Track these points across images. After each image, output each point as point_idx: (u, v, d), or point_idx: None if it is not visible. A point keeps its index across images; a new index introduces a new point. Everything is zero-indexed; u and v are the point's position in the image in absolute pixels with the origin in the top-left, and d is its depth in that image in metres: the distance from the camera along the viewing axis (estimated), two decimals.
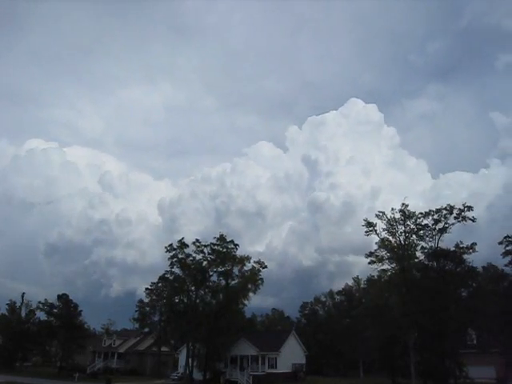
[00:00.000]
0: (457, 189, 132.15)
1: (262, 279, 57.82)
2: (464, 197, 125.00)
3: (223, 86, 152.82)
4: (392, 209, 46.57)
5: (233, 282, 57.96)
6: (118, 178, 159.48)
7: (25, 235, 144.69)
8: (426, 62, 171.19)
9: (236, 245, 57.90)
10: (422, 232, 45.43)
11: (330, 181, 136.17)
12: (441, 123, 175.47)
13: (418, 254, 46.69)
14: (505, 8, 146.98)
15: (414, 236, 46.06)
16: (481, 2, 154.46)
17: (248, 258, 58.09)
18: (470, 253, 43.27)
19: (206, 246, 57.22)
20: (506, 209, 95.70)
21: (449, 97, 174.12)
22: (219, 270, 57.33)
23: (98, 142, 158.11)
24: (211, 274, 57.75)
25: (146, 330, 76.83)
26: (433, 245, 45.02)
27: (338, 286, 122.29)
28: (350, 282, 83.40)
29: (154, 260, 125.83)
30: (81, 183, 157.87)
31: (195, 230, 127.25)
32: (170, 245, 57.63)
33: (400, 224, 46.15)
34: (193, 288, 57.51)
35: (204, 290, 58.19)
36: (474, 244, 43.46)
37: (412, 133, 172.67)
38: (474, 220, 43.75)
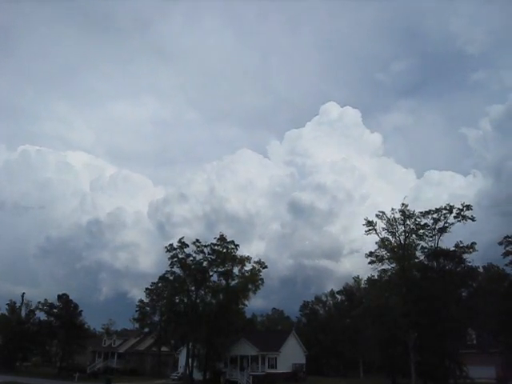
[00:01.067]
0: (438, 191, 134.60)
1: (262, 279, 57.89)
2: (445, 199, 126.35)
3: (205, 102, 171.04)
4: (392, 209, 46.66)
5: (233, 282, 57.93)
6: (110, 182, 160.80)
7: (17, 238, 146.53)
8: (393, 80, 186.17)
9: (236, 245, 57.92)
10: (421, 232, 45.45)
11: (309, 185, 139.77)
12: (414, 135, 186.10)
13: (418, 253, 46.76)
14: (466, 35, 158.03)
15: (413, 236, 46.07)
16: (441, 29, 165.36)
17: (248, 259, 58.09)
18: (470, 252, 43.29)
19: (206, 246, 57.21)
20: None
21: (420, 111, 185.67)
22: (219, 270, 57.29)
23: (89, 151, 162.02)
24: (211, 274, 57.73)
25: (146, 330, 76.83)
26: (433, 244, 45.05)
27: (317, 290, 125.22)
28: (351, 282, 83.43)
29: (146, 264, 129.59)
30: (73, 187, 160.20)
31: (183, 232, 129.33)
32: (171, 245, 57.63)
33: (400, 224, 46.17)
34: (193, 288, 57.48)
35: (204, 290, 58.15)
36: (473, 244, 43.48)
37: (389, 142, 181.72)
38: (473, 219, 43.77)
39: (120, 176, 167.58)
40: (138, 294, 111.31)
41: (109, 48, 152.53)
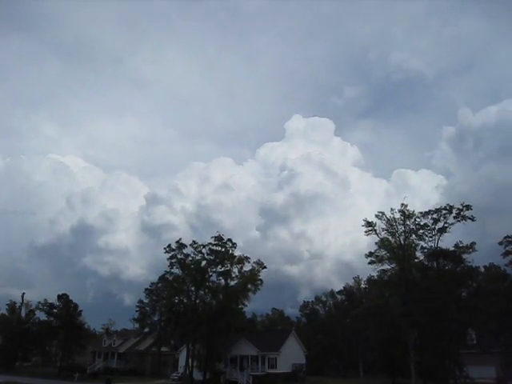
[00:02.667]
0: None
1: (261, 280, 57.85)
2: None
3: (180, 122, 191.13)
4: (391, 209, 46.61)
5: (232, 283, 57.91)
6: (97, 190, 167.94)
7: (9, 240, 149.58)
8: (348, 104, 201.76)
9: (234, 244, 57.89)
10: (421, 232, 45.41)
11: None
12: (378, 151, 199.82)
13: (418, 254, 46.74)
14: (421, 60, 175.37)
15: (413, 236, 46.03)
16: (383, 60, 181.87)
17: (247, 258, 58.07)
18: (470, 252, 43.26)
19: (204, 246, 57.22)
20: None
21: (380, 129, 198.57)
22: (218, 270, 57.30)
23: (75, 164, 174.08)
24: (210, 274, 57.73)
25: (146, 330, 76.82)
26: (432, 245, 45.02)
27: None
28: (351, 282, 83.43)
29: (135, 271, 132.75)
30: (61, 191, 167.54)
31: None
32: (169, 245, 57.63)
33: (400, 224, 46.14)
34: (192, 288, 57.47)
35: (204, 291, 58.13)
36: (473, 244, 43.45)
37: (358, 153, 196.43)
38: (473, 219, 43.72)
39: (107, 185, 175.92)
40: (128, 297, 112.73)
41: (90, 76, 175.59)
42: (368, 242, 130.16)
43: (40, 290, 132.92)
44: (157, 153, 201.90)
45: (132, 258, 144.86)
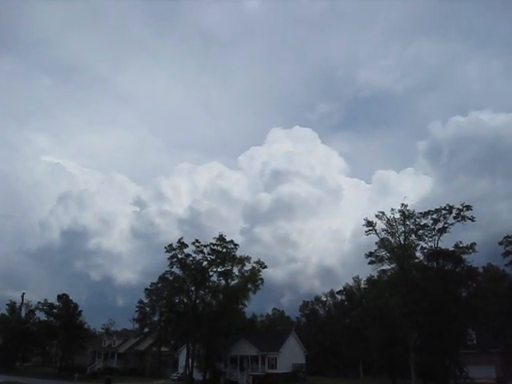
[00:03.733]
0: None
1: (261, 279, 57.83)
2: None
3: (165, 133, 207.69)
4: (392, 209, 46.62)
5: (233, 282, 57.92)
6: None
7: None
8: (321, 119, 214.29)
9: (236, 245, 57.93)
10: (421, 232, 45.42)
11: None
12: (357, 161, 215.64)
13: (418, 254, 46.73)
14: (387, 78, 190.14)
15: (413, 236, 46.05)
16: (350, 79, 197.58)
17: (248, 258, 58.04)
18: (470, 253, 43.23)
19: (205, 246, 57.20)
20: None
21: (357, 141, 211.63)
22: (219, 270, 57.30)
23: (68, 172, 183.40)
24: (211, 274, 57.74)
25: (146, 330, 76.86)
26: (432, 245, 45.02)
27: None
28: (351, 282, 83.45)
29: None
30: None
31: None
32: (170, 245, 57.60)
33: (400, 224, 46.15)
34: (193, 288, 57.47)
35: (204, 290, 58.15)
36: (473, 244, 43.45)
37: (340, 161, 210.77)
38: (473, 220, 43.74)
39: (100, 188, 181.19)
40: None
41: (79, 93, 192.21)
42: (352, 246, 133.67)
43: (35, 292, 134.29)
44: (146, 161, 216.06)
45: (124, 262, 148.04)
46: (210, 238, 57.75)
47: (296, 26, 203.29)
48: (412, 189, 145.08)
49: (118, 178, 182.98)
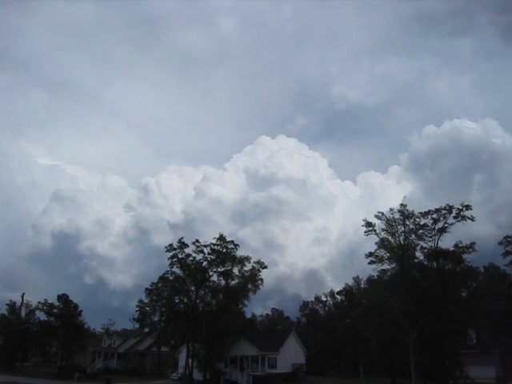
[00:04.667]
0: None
1: (261, 279, 57.86)
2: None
3: (154, 143, 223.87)
4: (391, 209, 46.62)
5: (233, 282, 57.93)
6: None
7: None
8: (301, 130, 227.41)
9: (236, 245, 57.94)
10: (421, 232, 45.43)
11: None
12: (340, 167, 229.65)
13: (418, 254, 46.69)
14: (359, 93, 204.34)
15: (413, 236, 46.04)
16: (324, 92, 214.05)
17: (248, 258, 58.06)
18: (470, 252, 43.26)
19: (205, 246, 57.23)
20: None
21: (338, 150, 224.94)
22: (219, 270, 57.31)
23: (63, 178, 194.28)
24: (211, 274, 57.75)
25: (146, 330, 76.67)
26: (432, 245, 45.02)
27: None
28: (350, 282, 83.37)
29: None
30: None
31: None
32: (170, 245, 57.68)
33: (399, 224, 46.15)
34: (193, 288, 57.49)
35: (204, 290, 58.18)
36: (473, 244, 43.46)
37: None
38: (473, 219, 43.75)
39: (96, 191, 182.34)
40: None
41: (71, 106, 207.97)
42: (337, 249, 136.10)
43: (32, 293, 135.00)
44: (137, 168, 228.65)
45: (117, 265, 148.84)
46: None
47: (270, 46, 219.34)
48: (394, 193, 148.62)
49: (111, 182, 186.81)
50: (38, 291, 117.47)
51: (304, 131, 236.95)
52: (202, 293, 58.08)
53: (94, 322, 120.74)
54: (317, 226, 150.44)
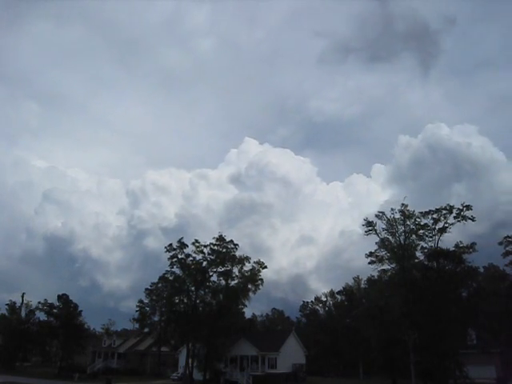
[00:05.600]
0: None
1: (261, 279, 57.84)
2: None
3: (144, 151, 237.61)
4: (392, 209, 46.61)
5: (233, 283, 57.91)
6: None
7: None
8: (283, 141, 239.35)
9: (236, 245, 57.91)
10: (421, 232, 45.42)
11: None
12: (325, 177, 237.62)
13: (418, 254, 46.68)
14: (335, 106, 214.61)
15: (413, 236, 46.02)
16: (302, 105, 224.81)
17: (248, 259, 58.05)
18: (470, 252, 43.25)
19: (205, 246, 57.23)
20: None
21: (321, 159, 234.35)
22: (219, 270, 57.30)
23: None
24: (211, 274, 57.74)
25: (146, 330, 76.80)
26: (433, 245, 45.01)
27: None
28: (351, 282, 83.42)
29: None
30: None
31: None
32: (170, 245, 57.68)
33: (400, 224, 46.13)
34: (193, 288, 57.47)
35: (204, 290, 58.15)
36: (473, 244, 43.45)
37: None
38: (473, 220, 43.74)
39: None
40: None
41: (63, 117, 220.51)
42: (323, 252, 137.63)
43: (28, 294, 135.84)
44: (128, 175, 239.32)
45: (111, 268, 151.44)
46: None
47: (246, 64, 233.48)
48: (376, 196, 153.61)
49: (105, 187, 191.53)
50: (35, 292, 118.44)
51: (286, 141, 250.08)
52: (202, 293, 58.07)
53: (94, 322, 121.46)
54: (302, 228, 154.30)
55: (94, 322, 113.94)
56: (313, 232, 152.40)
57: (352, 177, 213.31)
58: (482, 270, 56.69)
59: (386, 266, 46.96)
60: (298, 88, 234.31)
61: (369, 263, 47.17)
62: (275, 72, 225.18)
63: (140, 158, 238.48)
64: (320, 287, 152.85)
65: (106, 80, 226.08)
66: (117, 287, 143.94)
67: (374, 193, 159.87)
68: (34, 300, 77.78)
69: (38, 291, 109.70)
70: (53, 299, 72.52)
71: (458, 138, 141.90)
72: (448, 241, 44.88)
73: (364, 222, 47.85)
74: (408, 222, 45.93)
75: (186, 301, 58.16)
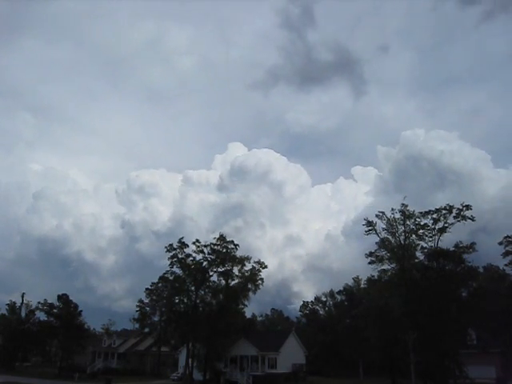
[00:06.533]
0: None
1: (262, 279, 57.87)
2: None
3: (134, 158, 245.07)
4: (392, 209, 46.61)
5: (233, 282, 57.95)
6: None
7: None
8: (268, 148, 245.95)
9: (236, 245, 57.94)
10: (421, 232, 45.42)
11: None
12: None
13: (418, 254, 46.68)
14: (310, 120, 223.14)
15: (413, 236, 46.01)
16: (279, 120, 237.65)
17: (248, 258, 58.07)
18: (470, 252, 43.26)
19: (205, 246, 57.25)
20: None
21: (307, 165, 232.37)
22: (219, 270, 57.32)
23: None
24: (211, 274, 57.77)
25: (146, 330, 76.80)
26: (432, 245, 45.03)
27: None
28: (350, 282, 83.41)
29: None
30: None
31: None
32: (170, 245, 57.67)
33: (400, 224, 46.14)
34: (193, 288, 57.48)
35: (204, 290, 58.18)
36: (473, 244, 43.48)
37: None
38: (473, 219, 43.77)
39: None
40: None
41: (55, 128, 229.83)
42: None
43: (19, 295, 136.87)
44: (120, 180, 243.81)
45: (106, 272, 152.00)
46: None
47: (224, 81, 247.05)
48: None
49: (97, 191, 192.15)
50: (31, 293, 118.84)
51: (279, 147, 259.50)
52: (202, 293, 58.08)
53: (94, 322, 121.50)
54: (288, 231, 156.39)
55: (91, 322, 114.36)
56: (299, 234, 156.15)
57: (333, 183, 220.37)
58: (481, 269, 56.69)
59: (385, 266, 46.98)
60: (275, 102, 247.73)
61: (369, 263, 47.23)
62: (251, 87, 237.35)
63: (130, 163, 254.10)
64: (303, 291, 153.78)
65: (95, 93, 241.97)
66: (112, 288, 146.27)
67: (357, 198, 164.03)
68: (33, 300, 77.99)
69: (36, 292, 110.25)
70: (52, 299, 72.64)
71: (437, 145, 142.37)
72: (448, 241, 45.00)
73: (364, 222, 47.90)
74: (408, 222, 45.92)
75: (186, 301, 58.16)
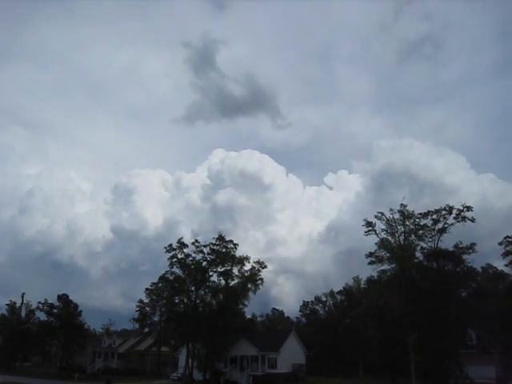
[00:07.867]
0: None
1: (261, 279, 57.91)
2: None
3: (124, 169, 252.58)
4: (391, 209, 46.60)
5: (233, 282, 58.01)
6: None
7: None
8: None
9: (235, 244, 57.99)
10: (421, 232, 45.42)
11: None
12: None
13: (418, 254, 46.69)
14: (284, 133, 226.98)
15: (413, 236, 46.01)
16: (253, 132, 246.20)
17: (248, 258, 58.15)
18: (470, 253, 43.25)
19: (205, 245, 57.31)
20: None
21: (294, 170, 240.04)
22: (219, 270, 57.37)
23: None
24: (211, 274, 57.82)
25: (146, 330, 76.86)
26: (432, 245, 45.03)
27: None
28: (350, 282, 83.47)
29: None
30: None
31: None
32: (170, 245, 57.77)
33: (399, 224, 46.14)
34: (193, 288, 57.55)
35: (204, 290, 58.25)
36: (473, 244, 43.46)
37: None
38: (473, 220, 43.75)
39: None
40: None
41: (46, 139, 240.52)
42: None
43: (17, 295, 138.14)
44: (112, 185, 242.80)
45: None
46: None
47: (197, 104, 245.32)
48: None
49: (88, 198, 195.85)
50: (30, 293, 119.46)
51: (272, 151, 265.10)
52: (202, 293, 58.15)
53: (94, 322, 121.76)
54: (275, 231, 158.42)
55: (94, 321, 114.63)
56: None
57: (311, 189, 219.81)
58: (479, 269, 56.68)
59: (385, 267, 46.99)
60: (248, 120, 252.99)
61: (369, 263, 47.23)
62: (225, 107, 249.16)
63: (118, 173, 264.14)
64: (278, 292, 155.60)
65: (82, 111, 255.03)
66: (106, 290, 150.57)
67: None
68: (33, 300, 77.98)
69: (36, 292, 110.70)
70: (52, 299, 72.67)
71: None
72: (447, 241, 44.98)
73: (364, 223, 47.88)
74: (407, 223, 45.92)
75: (185, 301, 58.24)
